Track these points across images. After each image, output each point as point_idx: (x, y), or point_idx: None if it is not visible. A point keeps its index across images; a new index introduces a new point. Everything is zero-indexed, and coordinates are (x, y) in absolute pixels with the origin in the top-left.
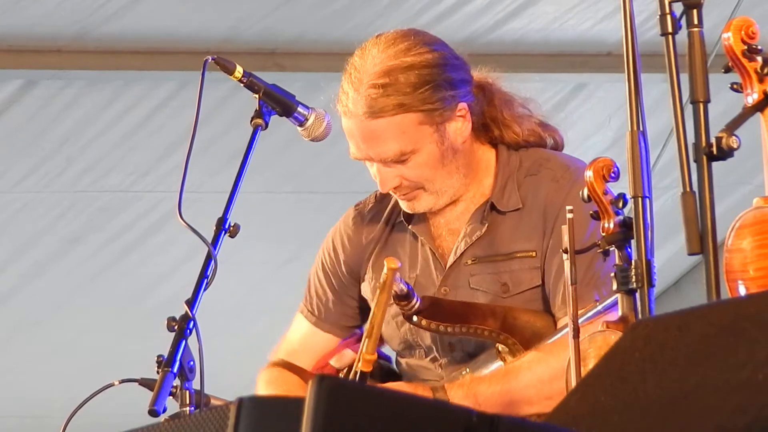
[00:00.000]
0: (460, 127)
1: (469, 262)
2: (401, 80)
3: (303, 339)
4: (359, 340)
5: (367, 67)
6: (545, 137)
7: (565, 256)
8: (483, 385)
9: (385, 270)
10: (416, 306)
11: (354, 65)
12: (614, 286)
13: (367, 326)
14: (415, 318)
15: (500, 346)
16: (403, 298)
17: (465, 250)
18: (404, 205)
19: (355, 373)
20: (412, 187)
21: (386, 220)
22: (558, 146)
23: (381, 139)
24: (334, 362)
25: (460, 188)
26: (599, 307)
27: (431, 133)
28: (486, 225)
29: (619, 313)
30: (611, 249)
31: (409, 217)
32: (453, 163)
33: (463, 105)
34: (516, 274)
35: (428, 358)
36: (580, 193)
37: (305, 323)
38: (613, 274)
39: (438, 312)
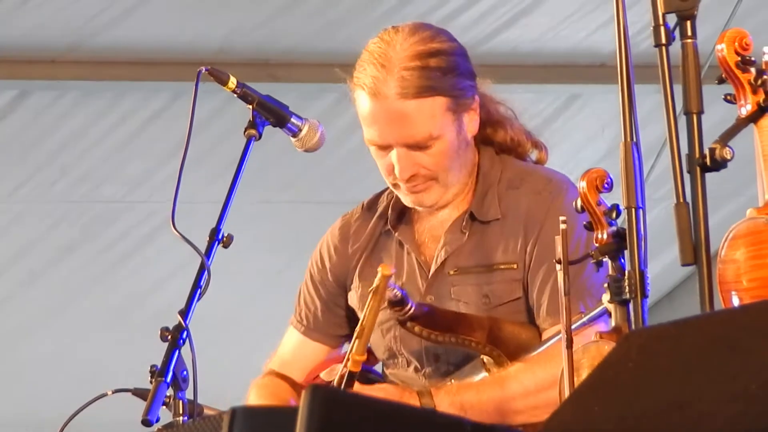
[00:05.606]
0: (473, 119)
1: (451, 272)
2: (432, 64)
3: (293, 350)
4: None
5: (397, 51)
6: (529, 147)
7: (558, 266)
8: (470, 393)
9: (378, 276)
10: (411, 312)
11: (377, 52)
12: (605, 298)
13: (357, 327)
14: (408, 323)
15: (485, 358)
16: (397, 304)
17: (446, 260)
18: (409, 200)
19: (344, 374)
20: (428, 177)
21: (373, 229)
22: (541, 160)
23: (411, 120)
24: (324, 376)
25: (460, 186)
26: (584, 319)
27: (452, 121)
28: (466, 235)
29: (613, 323)
30: (604, 260)
31: (396, 225)
32: (463, 157)
33: (477, 98)
34: (497, 286)
35: (410, 368)
36: (573, 203)
37: (295, 334)
38: (606, 285)
39: (432, 320)
